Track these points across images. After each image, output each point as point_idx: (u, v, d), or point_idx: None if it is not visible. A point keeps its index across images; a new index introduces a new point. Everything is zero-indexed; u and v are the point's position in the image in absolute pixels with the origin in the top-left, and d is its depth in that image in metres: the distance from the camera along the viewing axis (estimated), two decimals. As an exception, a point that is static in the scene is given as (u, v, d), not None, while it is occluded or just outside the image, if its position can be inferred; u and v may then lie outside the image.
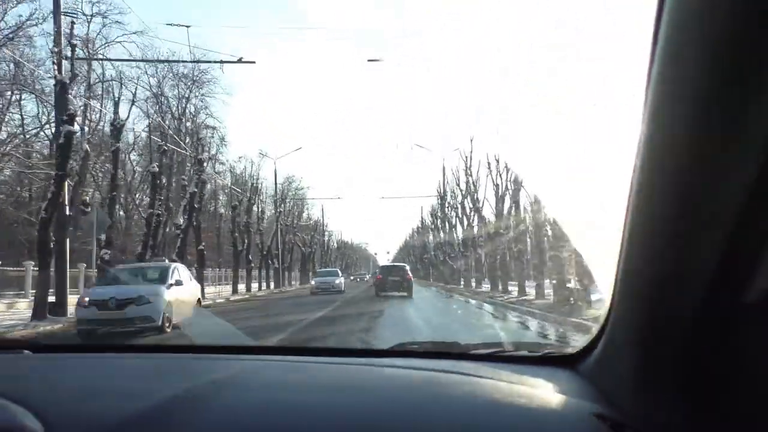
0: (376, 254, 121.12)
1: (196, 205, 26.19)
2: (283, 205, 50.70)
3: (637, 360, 0.97)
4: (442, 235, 48.25)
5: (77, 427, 0.97)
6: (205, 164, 27.17)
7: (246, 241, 36.92)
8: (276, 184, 45.55)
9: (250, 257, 37.86)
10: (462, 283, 41.78)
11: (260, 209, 43.42)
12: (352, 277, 64.59)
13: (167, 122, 48.88)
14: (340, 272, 39.24)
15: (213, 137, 56.84)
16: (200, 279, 27.87)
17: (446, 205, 44.43)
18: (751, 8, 0.61)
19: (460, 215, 38.96)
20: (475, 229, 35.65)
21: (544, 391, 1.14)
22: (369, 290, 33.88)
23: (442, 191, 44.92)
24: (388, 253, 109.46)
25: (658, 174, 0.79)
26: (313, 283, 35.08)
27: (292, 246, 52.54)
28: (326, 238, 71.54)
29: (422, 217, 64.12)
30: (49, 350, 1.76)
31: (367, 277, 66.60)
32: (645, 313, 0.91)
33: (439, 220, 48.43)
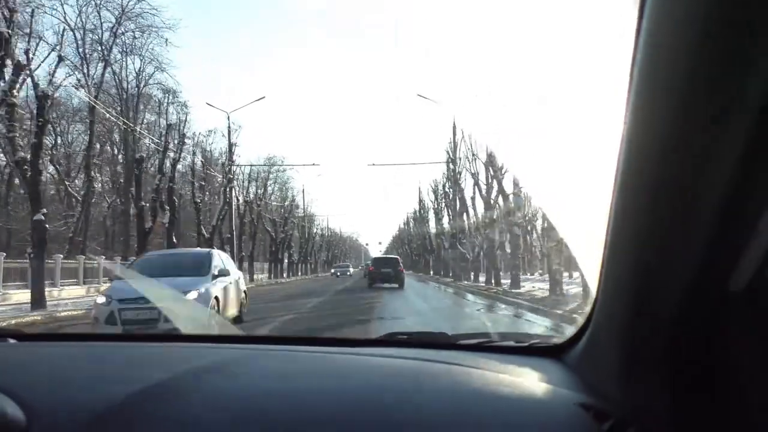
0: (367, 245, 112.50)
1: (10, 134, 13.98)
2: (257, 184, 38.90)
3: (621, 350, 0.97)
4: (448, 214, 36.13)
5: (60, 414, 0.97)
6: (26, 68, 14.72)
7: (169, 215, 24.85)
8: (229, 143, 33.39)
9: (174, 239, 25.70)
10: (481, 278, 29.82)
11: (202, 169, 31.21)
12: (332, 271, 51.54)
13: (95, 69, 38.35)
14: (216, 260, 11.41)
15: (173, 102, 45.25)
16: (38, 272, 15.74)
17: (457, 172, 32.36)
18: (731, 5, 0.62)
19: (484, 182, 26.97)
20: (504, 201, 23.73)
21: (529, 381, 1.14)
22: (344, 296, 22.28)
23: (452, 154, 32.87)
24: (380, 243, 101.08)
25: (641, 166, 0.79)
26: (98, 301, 10.09)
27: (255, 230, 40.22)
28: (305, 222, 58.73)
29: (420, 197, 52.01)
30: (33, 339, 1.77)
31: (351, 271, 52.71)
32: (630, 304, 0.91)
33: (449, 190, 36.12)
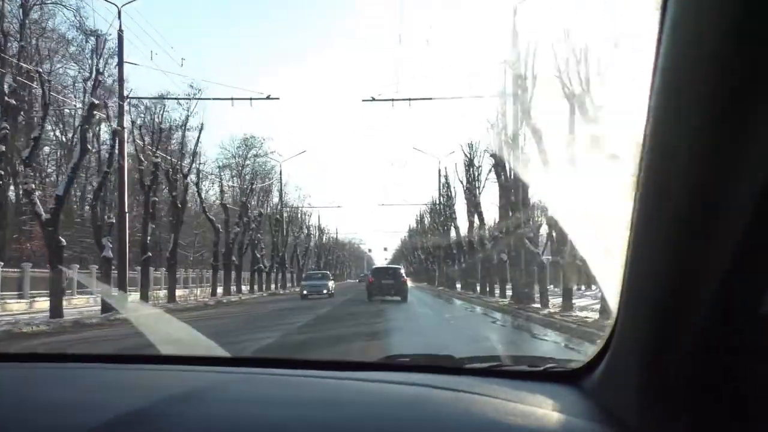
0: (370, 251, 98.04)
1: None
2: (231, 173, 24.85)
3: (643, 377, 0.90)
4: (502, 180, 21.20)
5: None
6: None
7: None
8: (120, 46, 18.59)
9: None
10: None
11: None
12: (302, 284, 31.31)
13: None
14: None
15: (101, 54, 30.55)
16: None
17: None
18: (756, 6, 0.60)
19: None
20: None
21: (543, 410, 1.06)
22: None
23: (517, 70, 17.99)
24: (385, 249, 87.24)
25: (663, 181, 0.75)
26: None
27: (180, 218, 24.89)
28: (280, 214, 41.05)
29: (444, 177, 36.66)
30: (3, 359, 1.70)
31: (331, 287, 30.49)
32: (652, 327, 0.85)
33: (503, 150, 20.87)
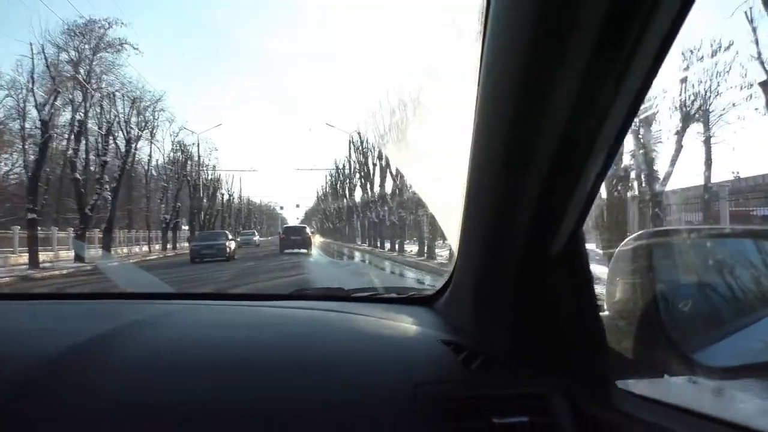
0: (282, 208, 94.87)
1: None
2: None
3: (474, 299, 1.24)
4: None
5: (7, 365, 1.03)
6: None
7: None
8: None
9: None
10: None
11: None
12: None
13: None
14: None
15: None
16: None
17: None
18: (564, 15, 0.74)
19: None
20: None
21: (405, 325, 1.36)
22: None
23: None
24: (297, 206, 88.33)
25: (484, 163, 1.02)
26: None
27: None
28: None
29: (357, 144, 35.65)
30: None
31: None
32: (480, 265, 1.17)
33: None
